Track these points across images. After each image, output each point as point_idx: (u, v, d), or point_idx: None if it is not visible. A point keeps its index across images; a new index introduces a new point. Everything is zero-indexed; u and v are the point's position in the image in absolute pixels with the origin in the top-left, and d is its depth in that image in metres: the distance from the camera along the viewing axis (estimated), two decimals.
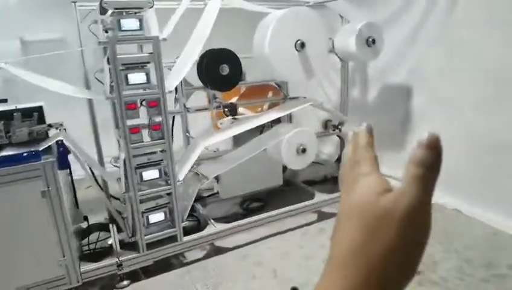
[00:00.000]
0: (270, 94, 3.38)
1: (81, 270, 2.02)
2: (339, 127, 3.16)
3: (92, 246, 2.37)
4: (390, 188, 0.36)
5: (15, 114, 1.96)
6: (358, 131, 0.44)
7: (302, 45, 2.37)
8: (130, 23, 1.90)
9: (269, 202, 3.08)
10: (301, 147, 2.58)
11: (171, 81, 2.13)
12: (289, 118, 3.18)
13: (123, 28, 1.88)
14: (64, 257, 1.95)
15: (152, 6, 1.94)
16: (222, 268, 2.27)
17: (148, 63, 1.95)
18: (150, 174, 2.13)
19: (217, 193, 2.89)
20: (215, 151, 3.01)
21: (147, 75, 1.97)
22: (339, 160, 3.49)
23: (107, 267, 2.09)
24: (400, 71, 3.21)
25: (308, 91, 4.25)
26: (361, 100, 3.65)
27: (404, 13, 3.08)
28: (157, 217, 2.21)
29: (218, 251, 2.45)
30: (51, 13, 3.41)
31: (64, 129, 2.21)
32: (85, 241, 2.39)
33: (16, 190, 1.78)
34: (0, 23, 3.18)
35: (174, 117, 2.67)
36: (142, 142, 2.03)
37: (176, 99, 2.61)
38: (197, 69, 2.33)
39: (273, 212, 2.61)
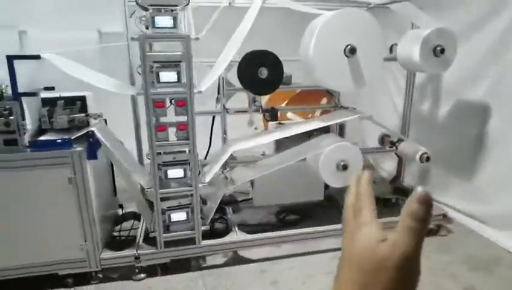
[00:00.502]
0: (323, 101, 3.17)
1: (101, 256, 2.10)
2: (396, 144, 2.82)
3: (123, 234, 2.47)
4: (386, 238, 0.41)
5: (58, 102, 2.10)
6: (361, 177, 0.49)
7: (352, 50, 2.13)
8: (164, 21, 1.89)
9: (307, 217, 2.89)
10: (342, 163, 2.34)
11: (204, 82, 2.08)
12: (337, 128, 2.92)
13: (157, 25, 1.88)
14: (86, 241, 2.05)
15: (188, 4, 1.91)
16: (236, 280, 2.17)
17: (179, 62, 1.91)
18: (175, 172, 2.11)
19: (251, 198, 2.79)
20: (262, 154, 2.92)
21: (179, 74, 1.95)
22: (395, 180, 3.13)
23: (126, 257, 2.14)
24: (477, 86, 2.73)
25: (375, 99, 3.92)
26: (430, 114, 3.21)
27: (488, 20, 2.60)
28: (179, 216, 2.19)
29: (239, 260, 2.36)
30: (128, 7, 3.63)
31: (105, 120, 2.32)
32: (118, 227, 2.51)
33: (46, 173, 1.91)
34: (83, 15, 3.46)
35: (214, 117, 2.64)
36: (167, 140, 2.02)
37: (218, 100, 2.56)
38: (237, 71, 2.24)
39: (304, 230, 2.43)
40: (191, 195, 2.12)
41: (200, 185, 2.14)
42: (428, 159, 2.53)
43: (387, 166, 3.69)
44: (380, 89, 3.77)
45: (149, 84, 1.89)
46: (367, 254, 0.41)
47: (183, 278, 2.19)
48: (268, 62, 2.24)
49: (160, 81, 1.95)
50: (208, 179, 2.18)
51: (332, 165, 2.37)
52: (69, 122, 2.10)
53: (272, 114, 2.54)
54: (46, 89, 2.13)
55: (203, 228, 2.23)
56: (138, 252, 2.14)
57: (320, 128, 2.76)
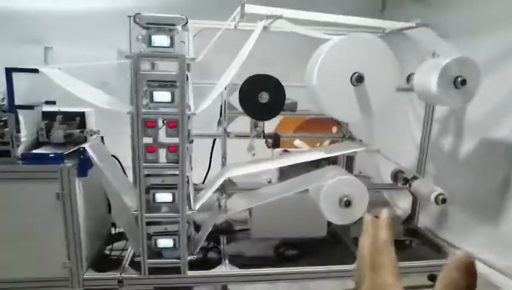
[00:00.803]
0: (334, 130, 3.02)
1: (84, 277, 2.04)
2: (410, 181, 2.60)
3: (114, 254, 2.41)
4: None
5: (57, 116, 2.11)
6: (379, 219, 0.44)
7: (360, 78, 2.00)
8: (160, 40, 1.86)
9: (307, 253, 2.70)
10: (345, 199, 2.17)
11: (200, 104, 2.02)
12: (344, 160, 2.74)
13: (153, 44, 1.85)
14: (69, 259, 1.99)
15: (186, 24, 1.88)
16: None
17: (175, 82, 1.87)
18: (164, 196, 2.04)
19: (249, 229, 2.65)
20: (269, 182, 2.81)
21: (173, 94, 1.90)
22: (409, 220, 2.88)
23: (109, 279, 2.06)
24: (504, 123, 2.48)
25: (395, 131, 3.71)
26: (451, 150, 2.96)
27: None
28: (165, 242, 2.10)
29: None
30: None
31: (101, 137, 2.31)
32: (110, 247, 2.45)
33: (34, 187, 1.90)
34: (103, 34, 3.58)
35: (214, 140, 2.57)
36: (156, 162, 1.96)
37: (219, 122, 2.50)
38: (239, 94, 2.17)
39: (303, 269, 2.24)
40: (178, 222, 2.03)
41: (189, 212, 2.05)
42: (444, 201, 2.29)
43: (402, 204, 3.42)
44: (400, 121, 3.57)
45: (140, 103, 1.85)
46: None
47: None
48: (269, 87, 2.15)
49: (154, 100, 1.91)
50: (197, 205, 2.08)
51: (334, 200, 2.20)
52: (65, 137, 2.10)
53: (274, 140, 2.43)
54: (47, 103, 2.16)
55: (190, 257, 2.12)
56: (122, 275, 2.06)
57: (327, 159, 2.64)
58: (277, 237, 2.67)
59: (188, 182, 2.06)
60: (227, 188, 2.58)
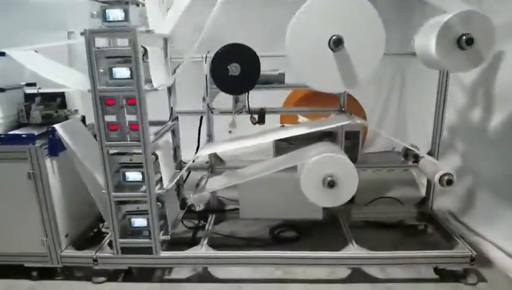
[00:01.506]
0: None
1: (62, 254, 2.09)
2: (419, 159, 2.27)
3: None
4: None
5: (36, 98, 2.15)
6: None
7: (338, 42, 1.74)
8: (115, 14, 1.77)
9: (306, 236, 2.52)
10: (329, 179, 1.95)
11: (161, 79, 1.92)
12: (343, 134, 2.43)
13: (108, 19, 1.76)
14: (47, 237, 2.06)
15: None
16: None
17: (129, 57, 1.78)
18: (134, 175, 1.99)
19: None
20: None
21: (131, 70, 1.81)
22: (423, 202, 2.54)
23: (85, 258, 2.10)
24: None
25: (422, 102, 3.28)
26: (481, 125, 2.52)
27: None
28: (141, 221, 2.07)
29: (205, 277, 2.13)
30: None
31: (83, 116, 2.30)
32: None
33: (7, 167, 1.95)
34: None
35: (201, 118, 2.45)
36: (122, 141, 1.90)
37: (204, 99, 2.37)
38: (210, 67, 2.02)
39: (281, 254, 2.08)
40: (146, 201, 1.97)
41: (159, 191, 1.98)
42: (450, 182, 1.96)
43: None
44: (428, 90, 3.14)
45: (97, 80, 1.80)
46: None
47: (138, 288, 2.06)
48: (241, 57, 1.97)
49: (114, 77, 1.84)
50: (166, 184, 2.01)
51: (316, 180, 1.99)
52: (44, 118, 2.14)
53: (259, 116, 2.25)
54: (28, 85, 2.20)
55: (163, 237, 2.07)
56: (96, 254, 2.08)
57: (329, 134, 2.40)
58: (267, 218, 2.52)
59: (156, 160, 1.98)
60: (215, 166, 2.49)
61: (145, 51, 1.84)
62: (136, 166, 1.97)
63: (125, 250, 2.07)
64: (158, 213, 2.03)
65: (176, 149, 2.44)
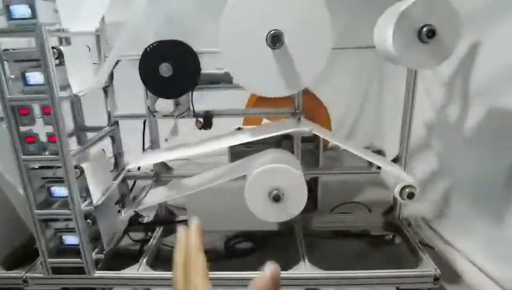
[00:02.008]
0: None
1: None
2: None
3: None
4: None
5: None
6: (189, 229, 0.54)
7: (277, 38, 1.50)
8: (20, 10, 1.54)
9: (263, 248, 2.33)
10: (274, 192, 1.74)
11: (86, 84, 1.70)
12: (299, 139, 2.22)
13: (13, 16, 1.54)
14: None
15: None
16: None
17: (37, 60, 1.56)
18: (61, 191, 1.80)
19: None
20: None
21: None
22: (390, 211, 2.33)
23: (13, 279, 1.92)
24: None
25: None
26: (457, 124, 2.29)
27: None
28: (72, 239, 1.89)
29: None
30: None
31: None
32: None
33: None
34: None
35: (145, 121, 2.24)
36: (37, 154, 1.70)
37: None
38: (138, 68, 1.80)
39: (229, 274, 1.88)
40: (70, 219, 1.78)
41: (85, 207, 1.79)
42: (411, 195, 1.76)
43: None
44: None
45: (4, 87, 1.58)
46: None
47: None
48: (174, 55, 1.74)
49: (28, 83, 1.63)
50: (94, 199, 1.81)
51: (262, 193, 1.78)
52: None
53: (204, 120, 2.03)
54: None
55: (96, 256, 1.89)
56: (26, 275, 1.91)
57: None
58: (219, 230, 2.33)
59: (82, 173, 1.79)
60: (161, 175, 2.29)
61: (59, 53, 1.62)
62: (62, 181, 1.78)
63: (57, 270, 1.90)
64: (88, 230, 1.85)
65: (117, 157, 2.24)
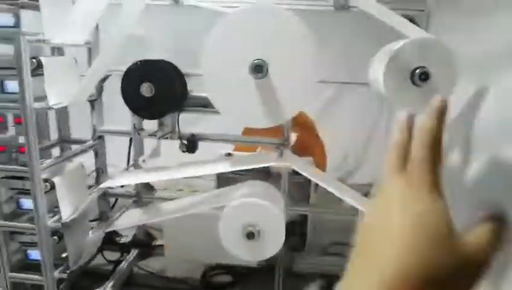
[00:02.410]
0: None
1: None
2: None
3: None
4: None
5: None
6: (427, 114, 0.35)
7: (259, 68, 1.41)
8: (4, 19, 1.53)
9: (242, 283, 2.19)
10: (249, 229, 1.62)
11: (66, 97, 1.66)
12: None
13: None
14: None
15: None
16: None
17: (13, 68, 1.53)
18: (30, 203, 1.74)
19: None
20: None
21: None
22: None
23: None
24: None
25: None
26: (459, 172, 2.11)
27: None
28: (38, 254, 1.81)
29: None
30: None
31: None
32: None
33: None
34: None
35: (131, 139, 2.17)
36: (6, 165, 1.66)
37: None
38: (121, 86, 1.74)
39: None
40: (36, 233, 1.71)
41: (52, 223, 1.72)
42: None
43: None
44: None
45: None
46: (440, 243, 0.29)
47: None
48: (157, 75, 1.68)
49: (5, 91, 1.61)
50: (64, 215, 1.74)
51: (236, 229, 1.66)
52: None
53: (188, 144, 1.95)
54: None
55: (59, 275, 1.80)
56: None
57: None
58: (196, 260, 2.20)
59: (53, 188, 1.72)
60: (142, 195, 2.20)
61: (38, 63, 1.59)
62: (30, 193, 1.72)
63: (19, 286, 1.82)
64: (55, 247, 1.78)
65: (99, 172, 2.17)
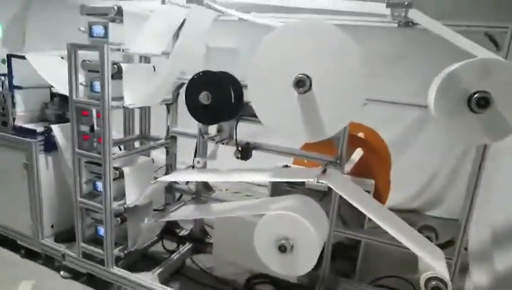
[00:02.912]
0: (357, 152, 2.31)
1: (42, 241, 2.28)
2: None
3: None
4: None
5: (54, 98, 2.40)
6: None
7: (302, 83, 1.43)
8: (98, 30, 1.84)
9: None
10: (282, 242, 1.63)
11: (139, 99, 1.91)
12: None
13: (93, 35, 1.85)
14: (32, 221, 2.27)
15: (117, 13, 1.79)
16: None
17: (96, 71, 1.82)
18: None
19: None
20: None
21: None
22: None
23: (56, 251, 2.24)
24: None
25: None
26: None
27: None
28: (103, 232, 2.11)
29: None
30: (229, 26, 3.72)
31: None
32: None
33: (10, 154, 2.24)
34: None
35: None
36: (89, 151, 1.96)
37: None
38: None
39: None
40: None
41: (116, 206, 1.98)
42: None
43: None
44: None
45: (73, 90, 1.90)
46: None
47: None
48: (214, 85, 1.81)
49: (93, 90, 1.92)
50: (128, 201, 1.99)
51: (269, 240, 1.68)
52: (57, 117, 2.37)
53: (242, 151, 2.03)
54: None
55: (118, 253, 2.05)
56: (65, 251, 2.19)
57: None
58: (238, 264, 2.25)
59: (121, 176, 1.99)
60: (201, 194, 2.37)
61: (118, 68, 1.86)
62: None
63: (87, 256, 2.13)
64: (117, 228, 2.04)
65: (169, 168, 2.41)
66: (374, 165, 2.38)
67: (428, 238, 1.82)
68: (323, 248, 1.98)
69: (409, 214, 3.38)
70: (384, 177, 2.49)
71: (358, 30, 1.87)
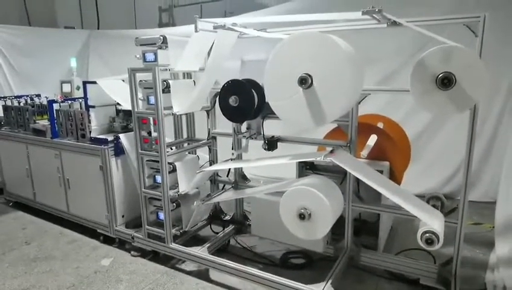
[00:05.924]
0: (372, 138, 2.60)
1: (115, 228, 2.84)
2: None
3: None
4: None
5: (120, 113, 2.99)
6: None
7: (304, 80, 1.82)
8: (150, 56, 2.37)
9: (312, 267, 2.52)
10: (301, 211, 2.01)
11: (184, 107, 2.41)
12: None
13: (146, 60, 2.38)
14: (108, 213, 2.84)
15: (163, 42, 2.30)
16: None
17: (151, 88, 2.34)
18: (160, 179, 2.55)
19: None
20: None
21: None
22: (446, 264, 2.15)
23: (127, 234, 2.78)
24: None
25: None
26: None
27: None
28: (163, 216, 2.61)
29: (203, 275, 2.49)
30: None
31: None
32: None
33: (90, 159, 2.83)
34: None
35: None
36: (148, 151, 2.49)
37: None
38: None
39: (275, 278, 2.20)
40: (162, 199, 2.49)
41: (172, 194, 2.48)
42: (429, 242, 1.72)
43: None
44: None
45: (135, 104, 2.44)
46: None
47: (149, 266, 2.60)
48: (239, 91, 2.25)
49: (149, 103, 2.44)
50: (180, 189, 2.48)
51: (291, 210, 2.07)
52: (123, 128, 2.95)
53: (268, 144, 2.44)
54: (118, 104, 3.06)
55: (174, 231, 2.54)
56: (134, 234, 2.73)
57: None
58: (274, 240, 2.64)
59: (174, 170, 2.49)
60: (239, 183, 2.80)
61: (167, 84, 2.38)
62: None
63: (152, 236, 2.65)
64: (173, 212, 2.53)
65: (211, 163, 2.88)
66: (389, 150, 2.66)
67: (434, 206, 2.08)
68: (345, 222, 2.33)
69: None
70: (400, 161, 2.76)
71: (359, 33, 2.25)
